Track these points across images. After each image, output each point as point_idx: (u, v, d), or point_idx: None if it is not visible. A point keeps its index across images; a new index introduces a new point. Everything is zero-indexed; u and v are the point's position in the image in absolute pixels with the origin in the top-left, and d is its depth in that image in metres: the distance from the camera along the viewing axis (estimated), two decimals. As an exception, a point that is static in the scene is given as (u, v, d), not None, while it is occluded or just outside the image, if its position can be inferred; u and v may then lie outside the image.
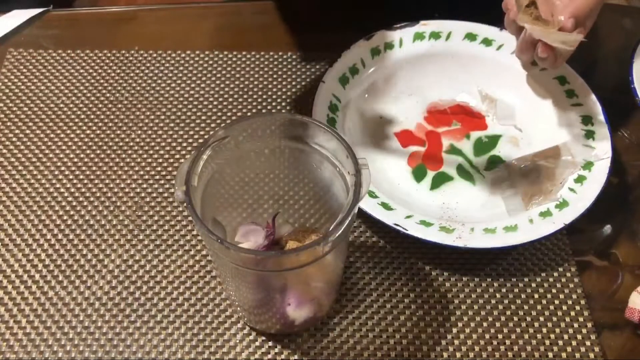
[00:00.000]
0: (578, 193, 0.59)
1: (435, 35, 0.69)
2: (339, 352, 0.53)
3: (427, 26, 0.70)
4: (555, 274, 0.58)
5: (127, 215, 0.61)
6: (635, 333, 0.55)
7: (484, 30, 0.69)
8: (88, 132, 0.66)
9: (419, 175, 0.63)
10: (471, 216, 0.60)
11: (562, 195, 0.59)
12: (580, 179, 0.60)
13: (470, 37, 0.69)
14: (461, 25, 0.70)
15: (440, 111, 0.68)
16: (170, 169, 0.64)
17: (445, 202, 0.61)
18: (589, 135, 0.62)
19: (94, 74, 0.71)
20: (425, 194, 0.62)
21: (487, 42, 0.69)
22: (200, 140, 0.66)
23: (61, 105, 0.68)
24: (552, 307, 0.56)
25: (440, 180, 0.63)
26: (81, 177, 0.63)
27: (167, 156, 0.65)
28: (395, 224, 0.56)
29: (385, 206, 0.58)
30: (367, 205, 0.57)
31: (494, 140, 0.66)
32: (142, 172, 0.63)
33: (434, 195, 0.62)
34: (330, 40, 0.71)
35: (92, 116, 0.67)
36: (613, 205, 0.59)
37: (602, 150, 0.61)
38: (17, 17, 0.75)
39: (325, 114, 0.63)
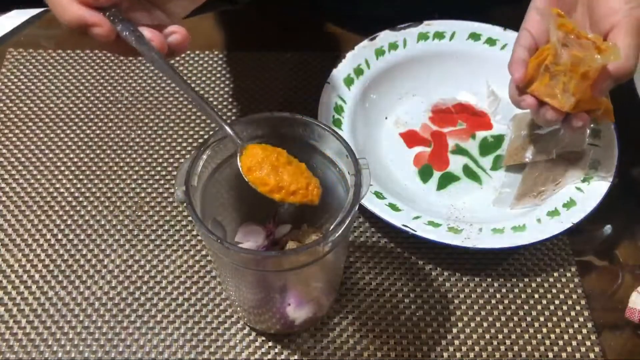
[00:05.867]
0: (585, 192, 0.59)
1: (439, 36, 0.69)
2: (339, 352, 0.53)
3: (431, 26, 0.70)
4: (555, 274, 0.58)
5: (127, 215, 0.60)
6: (635, 333, 0.55)
7: (487, 29, 0.69)
8: (88, 132, 0.66)
9: (425, 175, 0.63)
10: (478, 216, 0.60)
11: (569, 194, 0.59)
12: (586, 179, 0.59)
13: (474, 36, 0.69)
14: (465, 25, 0.70)
15: (445, 111, 0.68)
16: (170, 169, 0.64)
17: (452, 202, 0.61)
18: (595, 133, 0.62)
19: (94, 74, 0.71)
20: (432, 195, 0.62)
21: (491, 41, 0.69)
22: (200, 140, 0.66)
23: (61, 105, 0.68)
24: (552, 307, 0.56)
25: (446, 180, 0.63)
26: (81, 177, 0.63)
27: (167, 156, 0.65)
28: (404, 225, 0.56)
29: (393, 207, 0.58)
30: (375, 206, 0.57)
31: (499, 139, 0.66)
32: (142, 172, 0.63)
33: (441, 195, 0.62)
34: (331, 40, 0.71)
35: (92, 116, 0.67)
36: (613, 205, 0.59)
37: (608, 147, 0.61)
38: (17, 17, 0.75)
39: (331, 115, 0.63)
